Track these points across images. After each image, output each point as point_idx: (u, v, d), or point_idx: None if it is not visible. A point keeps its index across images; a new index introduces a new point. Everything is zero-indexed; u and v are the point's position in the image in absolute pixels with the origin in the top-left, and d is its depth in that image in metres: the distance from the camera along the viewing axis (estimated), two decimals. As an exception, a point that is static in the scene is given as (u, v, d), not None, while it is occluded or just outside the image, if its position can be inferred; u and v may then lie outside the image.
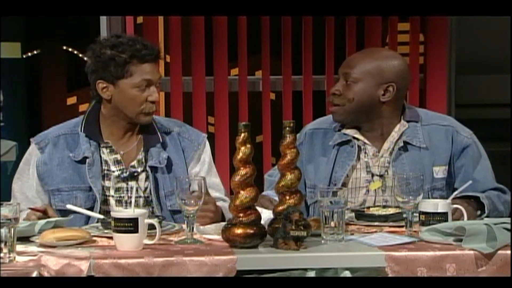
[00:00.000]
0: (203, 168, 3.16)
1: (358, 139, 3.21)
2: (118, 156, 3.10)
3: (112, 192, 3.07)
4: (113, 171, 3.08)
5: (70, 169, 3.07)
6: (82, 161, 3.07)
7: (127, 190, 3.06)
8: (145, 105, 3.05)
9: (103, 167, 3.08)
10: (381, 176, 3.17)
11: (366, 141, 3.20)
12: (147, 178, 3.09)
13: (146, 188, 3.08)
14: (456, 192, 2.86)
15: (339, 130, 3.24)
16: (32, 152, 3.14)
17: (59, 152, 3.10)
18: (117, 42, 3.05)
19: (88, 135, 3.09)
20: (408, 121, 3.21)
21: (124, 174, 3.07)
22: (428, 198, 2.99)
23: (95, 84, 3.07)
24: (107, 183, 3.07)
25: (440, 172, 3.16)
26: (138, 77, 3.03)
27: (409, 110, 3.25)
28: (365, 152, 3.20)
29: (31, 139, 3.17)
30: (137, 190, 3.05)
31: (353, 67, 3.18)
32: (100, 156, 3.09)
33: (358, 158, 3.19)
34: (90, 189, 3.04)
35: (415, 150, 3.17)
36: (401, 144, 3.17)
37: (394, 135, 3.19)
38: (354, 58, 3.26)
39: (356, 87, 3.16)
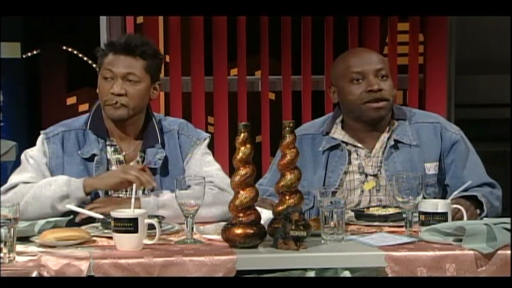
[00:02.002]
0: (192, 160, 3.12)
1: (347, 143, 3.21)
2: (121, 157, 3.10)
3: (111, 192, 3.06)
4: None
5: (78, 166, 3.05)
6: (90, 158, 3.07)
7: (126, 191, 3.05)
8: (108, 97, 3.05)
9: (107, 166, 3.08)
10: (374, 175, 3.18)
11: (356, 143, 3.20)
12: None
13: (144, 189, 3.07)
14: (455, 192, 2.86)
15: (327, 134, 3.23)
16: (43, 143, 3.11)
17: (69, 147, 3.09)
18: (121, 36, 3.11)
19: (96, 133, 3.10)
20: (396, 119, 3.23)
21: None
22: (422, 194, 2.94)
23: None
24: None
25: (431, 168, 3.17)
26: (103, 67, 3.07)
27: (397, 109, 3.26)
28: (357, 154, 3.20)
29: (41, 132, 3.15)
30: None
31: (382, 63, 3.20)
32: (106, 155, 3.09)
33: (350, 161, 3.19)
34: (97, 192, 3.02)
35: (405, 148, 3.17)
36: (392, 142, 3.17)
37: (385, 134, 3.20)
38: (374, 54, 3.27)
39: (389, 81, 3.18)
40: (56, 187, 2.93)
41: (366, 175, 3.18)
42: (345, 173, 3.18)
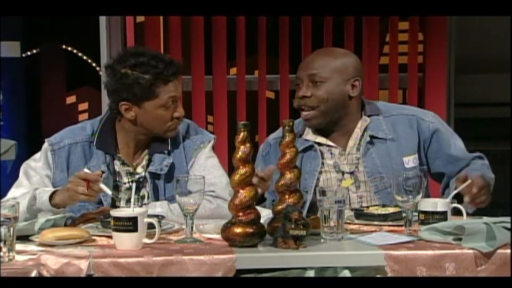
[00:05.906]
0: (196, 165, 3.09)
1: (320, 144, 3.23)
2: (130, 169, 3.08)
3: (122, 203, 3.04)
4: (124, 183, 3.07)
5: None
6: None
7: (138, 200, 3.03)
8: (171, 123, 3.03)
9: (116, 178, 3.06)
10: (351, 173, 3.20)
11: (329, 143, 3.24)
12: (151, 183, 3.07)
13: (149, 194, 3.06)
14: (454, 192, 2.86)
15: (300, 136, 3.25)
16: (48, 154, 3.08)
17: (74, 161, 3.06)
18: (138, 62, 2.96)
19: (103, 149, 3.06)
20: (369, 116, 3.25)
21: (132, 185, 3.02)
22: (402, 188, 2.71)
23: (116, 104, 3.01)
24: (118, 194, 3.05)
25: (410, 161, 3.20)
26: (164, 97, 2.98)
27: (369, 105, 3.29)
28: (331, 153, 3.23)
29: (46, 140, 3.12)
30: (142, 198, 3.04)
31: (319, 67, 3.20)
32: (114, 168, 3.07)
33: (324, 161, 3.22)
34: (101, 201, 3.01)
35: (381, 142, 3.21)
36: (368, 138, 3.20)
37: (357, 131, 3.23)
38: (315, 58, 3.26)
39: (326, 86, 3.18)
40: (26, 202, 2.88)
41: (343, 173, 3.20)
42: (320, 172, 3.21)
